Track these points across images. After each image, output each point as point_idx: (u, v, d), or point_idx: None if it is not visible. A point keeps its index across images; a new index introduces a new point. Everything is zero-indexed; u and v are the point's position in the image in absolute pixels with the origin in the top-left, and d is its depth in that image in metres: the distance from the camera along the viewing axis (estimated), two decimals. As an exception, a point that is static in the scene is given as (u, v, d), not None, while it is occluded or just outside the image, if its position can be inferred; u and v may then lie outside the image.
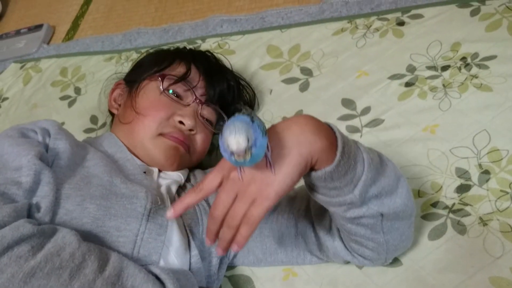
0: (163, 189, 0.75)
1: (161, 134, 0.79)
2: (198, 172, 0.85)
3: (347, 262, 0.73)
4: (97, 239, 0.62)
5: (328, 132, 0.57)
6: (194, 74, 0.85)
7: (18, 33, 1.57)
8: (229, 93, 0.90)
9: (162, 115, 0.79)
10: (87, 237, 0.60)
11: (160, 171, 0.79)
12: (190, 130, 0.81)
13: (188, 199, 0.56)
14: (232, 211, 0.54)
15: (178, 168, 0.81)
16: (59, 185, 0.63)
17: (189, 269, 0.70)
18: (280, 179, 0.52)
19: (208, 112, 0.85)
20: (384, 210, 0.61)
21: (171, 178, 0.79)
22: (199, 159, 0.86)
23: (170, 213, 0.56)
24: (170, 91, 0.82)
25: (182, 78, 0.82)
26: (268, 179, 0.52)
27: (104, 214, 0.63)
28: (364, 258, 0.68)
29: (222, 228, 0.55)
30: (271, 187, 0.52)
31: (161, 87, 0.82)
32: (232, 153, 0.47)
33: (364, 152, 0.59)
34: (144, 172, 0.76)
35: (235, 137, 0.46)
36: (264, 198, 0.52)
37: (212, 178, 0.55)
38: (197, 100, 0.83)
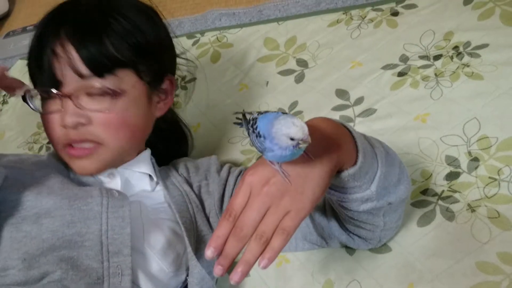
0: (120, 185, 0.73)
1: (67, 145, 0.71)
2: (188, 162, 0.85)
3: (342, 246, 0.74)
4: (63, 250, 0.61)
5: (347, 133, 0.57)
6: (52, 62, 0.69)
7: (24, 30, 1.61)
8: (99, 53, 0.68)
9: (52, 133, 0.71)
10: (53, 250, 0.61)
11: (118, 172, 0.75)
12: (80, 124, 0.69)
13: (223, 230, 0.50)
14: (263, 225, 0.50)
15: (112, 166, 0.74)
16: (13, 209, 0.62)
17: (187, 269, 0.70)
18: (313, 186, 0.51)
19: (95, 89, 0.68)
20: (392, 199, 0.62)
21: (137, 178, 0.76)
22: (123, 137, 0.72)
23: (210, 251, 0.49)
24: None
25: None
26: (301, 188, 0.50)
27: (61, 224, 0.62)
28: (359, 237, 0.70)
29: (249, 245, 0.50)
30: (306, 197, 0.50)
31: (33, 110, 0.71)
32: (294, 144, 0.46)
33: (376, 147, 0.59)
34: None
35: (293, 124, 0.45)
36: (301, 209, 0.50)
37: (240, 200, 0.51)
38: (64, 96, 0.68)
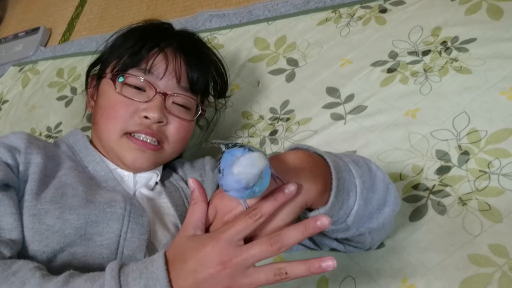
0: (138, 194, 0.76)
1: (127, 133, 0.76)
2: (184, 162, 0.86)
3: (333, 249, 0.75)
4: (81, 247, 0.63)
5: (323, 170, 0.56)
6: (159, 60, 0.78)
7: (16, 37, 1.61)
8: (203, 78, 0.83)
9: (122, 114, 0.76)
10: (71, 246, 0.63)
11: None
12: (159, 122, 0.77)
13: None
14: None
15: (153, 168, 0.80)
16: (35, 200, 0.64)
17: None
18: (273, 226, 0.52)
19: (182, 98, 0.80)
20: (373, 225, 0.63)
21: (146, 178, 0.79)
22: (178, 148, 0.82)
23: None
24: (132, 86, 0.77)
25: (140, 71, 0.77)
26: (264, 222, 0.52)
27: (85, 222, 0.64)
28: (349, 246, 0.71)
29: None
30: (264, 233, 0.52)
31: (115, 87, 0.77)
32: (245, 187, 0.46)
33: (357, 178, 0.58)
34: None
35: (245, 167, 0.45)
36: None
37: (207, 219, 0.55)
38: (159, 93, 0.77)
